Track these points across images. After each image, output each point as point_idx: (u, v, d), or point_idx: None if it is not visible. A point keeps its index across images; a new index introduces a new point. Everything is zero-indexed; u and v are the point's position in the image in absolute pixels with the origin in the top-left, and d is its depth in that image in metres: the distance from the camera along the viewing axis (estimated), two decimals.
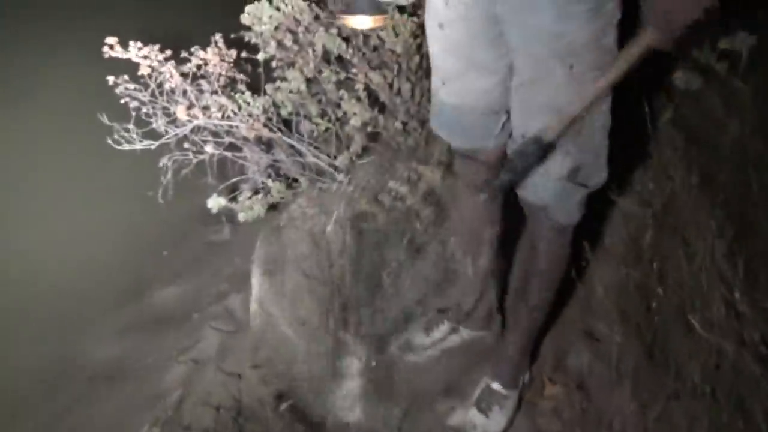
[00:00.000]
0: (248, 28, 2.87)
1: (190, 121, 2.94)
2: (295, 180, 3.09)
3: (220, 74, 2.94)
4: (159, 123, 2.93)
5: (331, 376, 2.45)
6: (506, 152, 1.98)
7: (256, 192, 3.07)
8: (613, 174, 1.90)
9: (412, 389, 2.33)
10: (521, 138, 1.84)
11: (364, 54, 2.91)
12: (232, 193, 3.11)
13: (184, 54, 2.86)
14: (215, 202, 2.96)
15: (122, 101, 2.80)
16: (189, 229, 3.30)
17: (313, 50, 2.88)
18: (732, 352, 1.83)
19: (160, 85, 2.89)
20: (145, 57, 2.80)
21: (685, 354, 1.96)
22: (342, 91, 2.89)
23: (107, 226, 3.38)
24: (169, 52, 2.83)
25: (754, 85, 2.42)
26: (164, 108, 2.94)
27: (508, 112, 1.93)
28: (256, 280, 2.75)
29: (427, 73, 2.00)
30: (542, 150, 1.73)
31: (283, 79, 2.95)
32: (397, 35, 2.79)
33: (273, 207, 3.06)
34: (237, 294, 2.97)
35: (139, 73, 2.82)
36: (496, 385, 2.27)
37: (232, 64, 2.94)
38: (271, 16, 2.78)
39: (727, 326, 1.87)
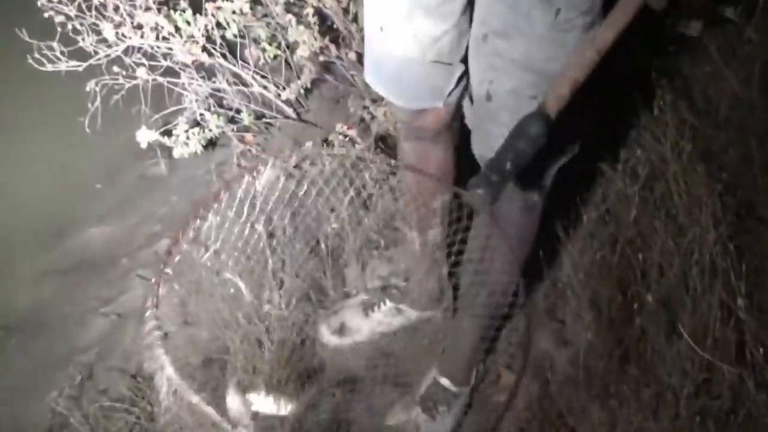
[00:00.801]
0: None
1: (121, 40, 2.44)
2: (238, 112, 2.58)
3: None
4: (87, 41, 2.44)
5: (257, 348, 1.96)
6: (461, 114, 1.50)
7: (196, 124, 2.55)
8: (596, 135, 1.41)
9: (346, 380, 1.83)
10: (484, 99, 1.33)
11: None
12: (168, 124, 2.58)
13: None
14: (145, 136, 2.44)
15: (45, 15, 2.34)
16: (120, 163, 2.69)
17: None
18: (729, 373, 1.35)
19: None
20: None
21: (668, 364, 1.47)
22: (290, 16, 2.36)
23: (27, 157, 2.76)
24: None
25: (765, 34, 1.87)
26: (93, 25, 2.43)
27: (463, 63, 1.42)
28: None
29: None
30: (546, 130, 1.06)
31: None
32: None
33: (212, 142, 2.57)
34: (170, 238, 2.45)
35: None
36: (445, 381, 1.76)
37: None
38: None
39: (723, 338, 1.39)
